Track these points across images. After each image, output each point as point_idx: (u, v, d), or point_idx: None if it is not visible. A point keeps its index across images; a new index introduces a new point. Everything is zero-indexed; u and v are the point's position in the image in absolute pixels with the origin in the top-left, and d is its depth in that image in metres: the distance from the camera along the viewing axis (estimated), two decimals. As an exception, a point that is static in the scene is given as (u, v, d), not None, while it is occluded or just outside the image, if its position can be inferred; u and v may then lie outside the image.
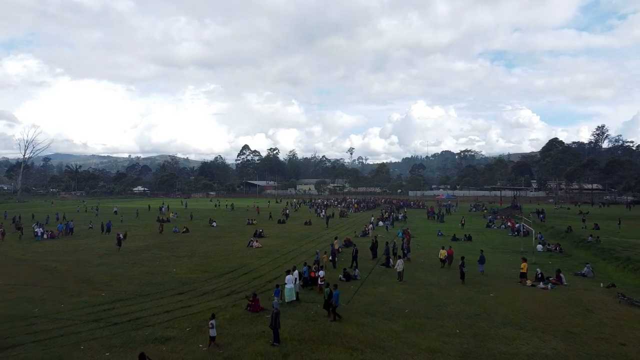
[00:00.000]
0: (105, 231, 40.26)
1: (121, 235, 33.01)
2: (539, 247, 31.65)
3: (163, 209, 67.53)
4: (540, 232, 37.05)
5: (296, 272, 18.62)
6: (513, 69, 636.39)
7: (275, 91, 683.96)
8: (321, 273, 19.39)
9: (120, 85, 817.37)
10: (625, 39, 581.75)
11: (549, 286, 20.39)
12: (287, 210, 61.12)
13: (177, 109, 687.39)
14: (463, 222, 43.69)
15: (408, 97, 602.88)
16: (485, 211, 72.34)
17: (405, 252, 27.57)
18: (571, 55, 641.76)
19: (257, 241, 32.57)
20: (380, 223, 46.29)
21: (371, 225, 40.04)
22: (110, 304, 17.49)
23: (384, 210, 59.44)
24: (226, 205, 79.93)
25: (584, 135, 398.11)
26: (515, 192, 73.69)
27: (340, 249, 28.05)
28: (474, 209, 74.07)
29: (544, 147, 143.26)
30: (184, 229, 41.29)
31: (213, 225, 46.27)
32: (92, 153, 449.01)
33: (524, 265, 21.23)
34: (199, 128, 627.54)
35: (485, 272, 23.58)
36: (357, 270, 22.44)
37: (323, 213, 57.44)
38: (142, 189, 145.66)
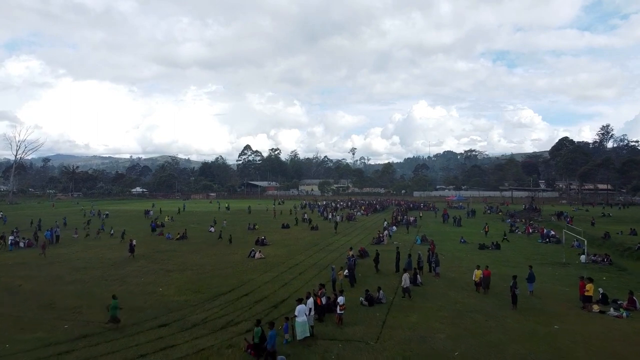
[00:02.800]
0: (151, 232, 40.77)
1: (134, 242, 29.55)
2: (582, 257, 27.62)
3: (151, 212, 60.92)
4: (577, 240, 32.99)
5: (310, 300, 14.64)
6: (515, 69, 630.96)
7: (277, 92, 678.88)
8: (341, 300, 15.38)
9: (123, 86, 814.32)
10: (628, 38, 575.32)
11: (624, 314, 16.37)
12: (306, 215, 54.92)
13: (179, 109, 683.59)
14: (487, 229, 39.11)
15: (410, 97, 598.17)
16: (500, 213, 68.30)
17: (433, 265, 23.56)
18: (573, 55, 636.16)
19: (259, 251, 28.58)
20: (394, 228, 42.25)
21: (386, 232, 35.91)
22: (70, 343, 13.53)
23: (395, 213, 55.20)
24: (226, 207, 76.02)
25: (586, 135, 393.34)
26: (532, 194, 69.32)
27: (356, 262, 24.08)
28: (489, 211, 69.91)
29: (553, 147, 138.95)
30: (179, 235, 37.34)
31: (210, 231, 42.31)
32: (93, 154, 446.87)
33: (589, 286, 17.16)
34: (201, 129, 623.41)
35: (535, 291, 19.57)
36: (381, 291, 18.40)
37: (330, 216, 53.41)
38: (141, 190, 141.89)
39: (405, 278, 19.23)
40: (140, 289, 20.19)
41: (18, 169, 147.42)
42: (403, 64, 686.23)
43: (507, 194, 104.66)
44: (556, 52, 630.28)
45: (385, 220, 45.70)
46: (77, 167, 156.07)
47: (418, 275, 21.40)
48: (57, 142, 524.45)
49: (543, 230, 38.26)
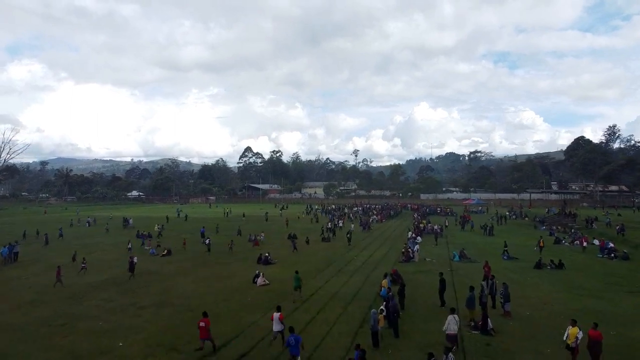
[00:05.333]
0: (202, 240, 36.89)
1: (135, 259, 24.25)
2: (683, 283, 21.33)
3: (130, 221, 52.97)
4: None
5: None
6: (516, 70, 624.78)
7: (278, 94, 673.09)
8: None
9: (124, 89, 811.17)
10: (629, 39, 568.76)
11: None
12: (330, 224, 45.40)
13: (181, 112, 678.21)
14: (542, 243, 32.19)
15: (411, 99, 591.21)
16: (526, 219, 62.04)
17: (501, 300, 17.30)
18: (575, 56, 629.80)
19: (262, 275, 22.33)
20: (419, 238, 35.95)
21: (417, 247, 29.49)
22: None
23: (416, 221, 48.51)
24: (236, 213, 69.69)
25: (588, 136, 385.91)
26: (565, 197, 63.12)
27: (390, 291, 17.84)
28: (513, 216, 63.51)
29: (569, 147, 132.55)
30: (165, 251, 31.16)
31: (206, 243, 36.07)
32: (95, 157, 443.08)
33: None
34: (203, 131, 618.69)
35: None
36: (450, 355, 12.05)
37: (341, 224, 47.10)
38: (137, 193, 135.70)
39: (451, 322, 13.14)
40: (92, 345, 13.94)
41: (9, 172, 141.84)
42: (404, 66, 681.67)
43: (525, 196, 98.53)
44: (557, 53, 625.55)
45: (409, 230, 39.20)
46: (71, 170, 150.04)
47: (489, 319, 15.11)
48: (59, 145, 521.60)
49: (603, 243, 31.86)
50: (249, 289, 21.15)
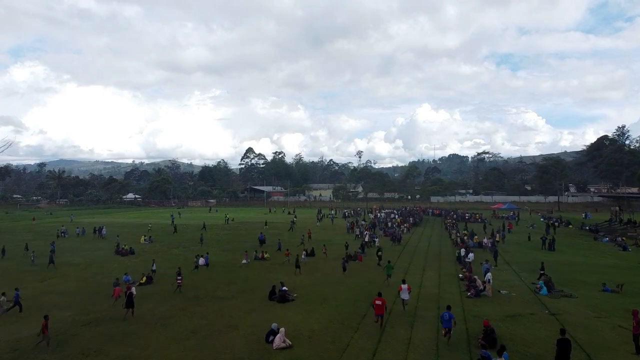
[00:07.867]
0: None
1: (133, 291, 17.48)
2: None
3: (103, 230, 42.98)
4: None
5: None
6: (518, 72, 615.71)
7: (280, 96, 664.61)
8: None
9: (127, 91, 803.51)
10: (632, 41, 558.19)
11: None
12: (366, 236, 37.35)
13: (183, 114, 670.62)
14: None
15: (413, 101, 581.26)
16: (570, 227, 54.22)
17: None
18: (577, 58, 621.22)
19: (280, 332, 14.36)
20: (471, 255, 28.05)
21: (489, 275, 21.09)
22: None
23: (458, 233, 39.48)
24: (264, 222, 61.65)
25: (589, 137, 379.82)
26: (620, 202, 55.20)
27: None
28: (556, 223, 55.48)
29: (591, 146, 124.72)
30: (143, 278, 23.39)
31: (200, 264, 28.26)
32: (97, 159, 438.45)
33: None
34: (205, 133, 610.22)
35: None
36: None
37: (366, 234, 39.04)
38: (134, 196, 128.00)
39: None
40: None
41: (0, 173, 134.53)
42: (407, 67, 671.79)
43: (551, 198, 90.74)
44: (560, 54, 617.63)
45: (461, 248, 30.74)
46: (64, 171, 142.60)
47: None
48: (62, 147, 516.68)
49: None
50: (261, 356, 13.32)
